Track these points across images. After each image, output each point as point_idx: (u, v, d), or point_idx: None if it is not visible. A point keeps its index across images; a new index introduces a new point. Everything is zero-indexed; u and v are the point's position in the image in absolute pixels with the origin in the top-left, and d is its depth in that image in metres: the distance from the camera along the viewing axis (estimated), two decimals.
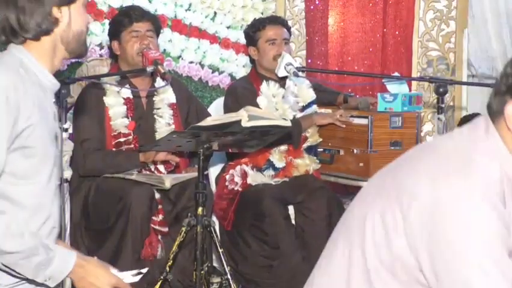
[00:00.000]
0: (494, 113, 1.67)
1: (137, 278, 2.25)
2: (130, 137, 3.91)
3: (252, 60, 4.43)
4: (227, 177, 4.19)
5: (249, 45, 4.41)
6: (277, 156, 4.19)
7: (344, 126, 4.27)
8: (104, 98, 3.92)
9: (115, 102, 3.92)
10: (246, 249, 4.06)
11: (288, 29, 4.43)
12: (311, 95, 4.38)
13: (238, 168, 4.18)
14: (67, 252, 2.11)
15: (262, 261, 4.02)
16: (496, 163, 1.61)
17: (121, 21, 4.01)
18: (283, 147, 4.21)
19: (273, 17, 4.66)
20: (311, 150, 4.33)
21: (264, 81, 4.27)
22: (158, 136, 3.90)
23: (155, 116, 4.01)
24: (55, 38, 2.13)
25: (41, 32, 2.09)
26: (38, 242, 2.02)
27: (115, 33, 4.03)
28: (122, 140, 3.90)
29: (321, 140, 4.34)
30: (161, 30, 4.36)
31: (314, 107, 4.42)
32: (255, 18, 4.67)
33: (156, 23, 4.08)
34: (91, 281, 2.12)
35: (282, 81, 4.33)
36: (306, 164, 4.25)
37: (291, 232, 4.04)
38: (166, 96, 4.04)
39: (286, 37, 4.35)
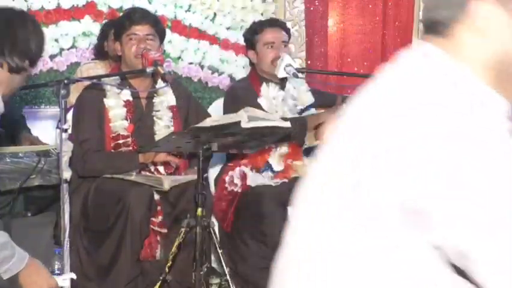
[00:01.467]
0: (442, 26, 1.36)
1: (67, 283, 2.60)
2: (129, 139, 3.90)
3: (252, 63, 4.43)
4: (226, 178, 4.19)
5: (249, 49, 4.41)
6: (276, 159, 4.19)
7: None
8: (105, 99, 3.91)
9: (115, 104, 3.92)
10: (245, 251, 4.06)
11: (287, 31, 4.42)
12: (309, 99, 4.38)
13: (237, 169, 4.17)
14: (22, 251, 2.39)
15: (261, 262, 4.02)
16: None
17: (122, 24, 4.01)
18: (283, 150, 4.20)
19: (271, 20, 4.65)
20: (310, 152, 4.32)
21: (264, 83, 4.27)
22: (157, 138, 3.90)
23: (154, 118, 4.00)
24: None
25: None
26: (8, 238, 2.32)
27: (117, 35, 4.03)
28: (120, 141, 3.89)
29: (318, 141, 4.33)
30: None
31: (312, 111, 4.43)
32: (254, 22, 4.65)
33: (157, 26, 4.05)
34: (35, 279, 2.41)
35: (282, 83, 4.33)
36: (305, 165, 4.25)
37: None
38: (166, 99, 4.03)
39: (285, 40, 4.35)
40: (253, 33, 4.36)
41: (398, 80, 1.33)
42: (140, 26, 3.94)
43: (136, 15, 3.97)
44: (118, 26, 4.04)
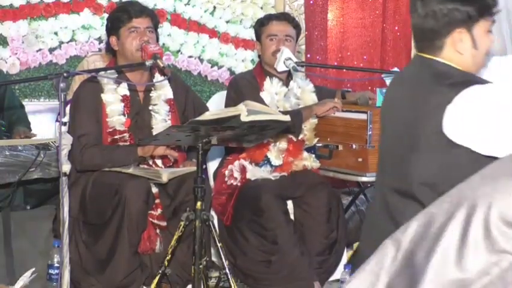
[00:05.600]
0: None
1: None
2: (126, 134, 3.89)
3: (259, 56, 4.43)
4: (226, 172, 4.18)
5: (256, 41, 4.41)
6: (275, 153, 4.18)
7: (343, 109, 4.25)
8: (102, 94, 3.89)
9: (113, 99, 3.90)
10: (244, 244, 4.06)
11: (296, 26, 4.39)
12: (313, 99, 4.36)
13: (237, 163, 4.17)
14: None
15: (260, 256, 4.02)
16: None
17: (119, 17, 3.96)
18: (282, 146, 4.19)
19: (280, 13, 4.62)
20: (310, 149, 4.32)
21: (268, 77, 4.27)
22: (155, 132, 3.89)
23: (151, 112, 3.99)
24: None
25: None
26: None
27: (113, 28, 3.99)
28: (117, 137, 3.88)
29: (317, 139, 4.33)
30: (160, 25, 4.34)
31: None
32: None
33: (155, 19, 4.03)
34: None
35: (286, 80, 4.32)
36: (304, 159, 4.25)
37: (290, 227, 4.04)
38: (163, 92, 4.02)
39: (289, 34, 4.32)
40: (259, 25, 4.35)
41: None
42: (140, 19, 3.92)
43: (135, 9, 3.95)
44: (114, 20, 4.00)
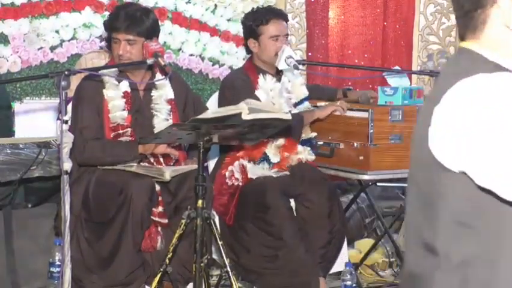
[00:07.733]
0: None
1: None
2: (129, 130, 3.90)
3: (249, 51, 4.40)
4: (226, 174, 4.17)
5: (249, 37, 4.35)
6: (273, 151, 4.18)
7: (345, 112, 4.28)
8: (104, 90, 3.90)
9: (115, 95, 3.90)
10: (248, 242, 4.05)
11: (287, 21, 4.44)
12: (304, 92, 4.39)
13: (236, 163, 4.16)
14: None
15: (266, 251, 4.02)
16: None
17: (105, 25, 4.02)
18: (280, 142, 4.19)
19: (274, 11, 4.50)
20: (306, 143, 4.32)
21: (261, 74, 4.26)
22: (156, 131, 3.89)
23: (152, 111, 3.99)
24: None
25: None
26: None
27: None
28: (120, 131, 3.89)
29: (313, 134, 4.34)
30: (161, 23, 4.32)
31: (306, 104, 4.42)
32: (253, 9, 4.54)
33: (139, 28, 3.88)
34: None
35: (277, 75, 4.33)
36: (299, 153, 4.24)
37: (295, 223, 4.05)
38: (164, 92, 4.02)
39: (287, 33, 4.37)
40: (257, 24, 4.29)
41: None
42: (117, 32, 3.87)
43: (118, 20, 3.88)
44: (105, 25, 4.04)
